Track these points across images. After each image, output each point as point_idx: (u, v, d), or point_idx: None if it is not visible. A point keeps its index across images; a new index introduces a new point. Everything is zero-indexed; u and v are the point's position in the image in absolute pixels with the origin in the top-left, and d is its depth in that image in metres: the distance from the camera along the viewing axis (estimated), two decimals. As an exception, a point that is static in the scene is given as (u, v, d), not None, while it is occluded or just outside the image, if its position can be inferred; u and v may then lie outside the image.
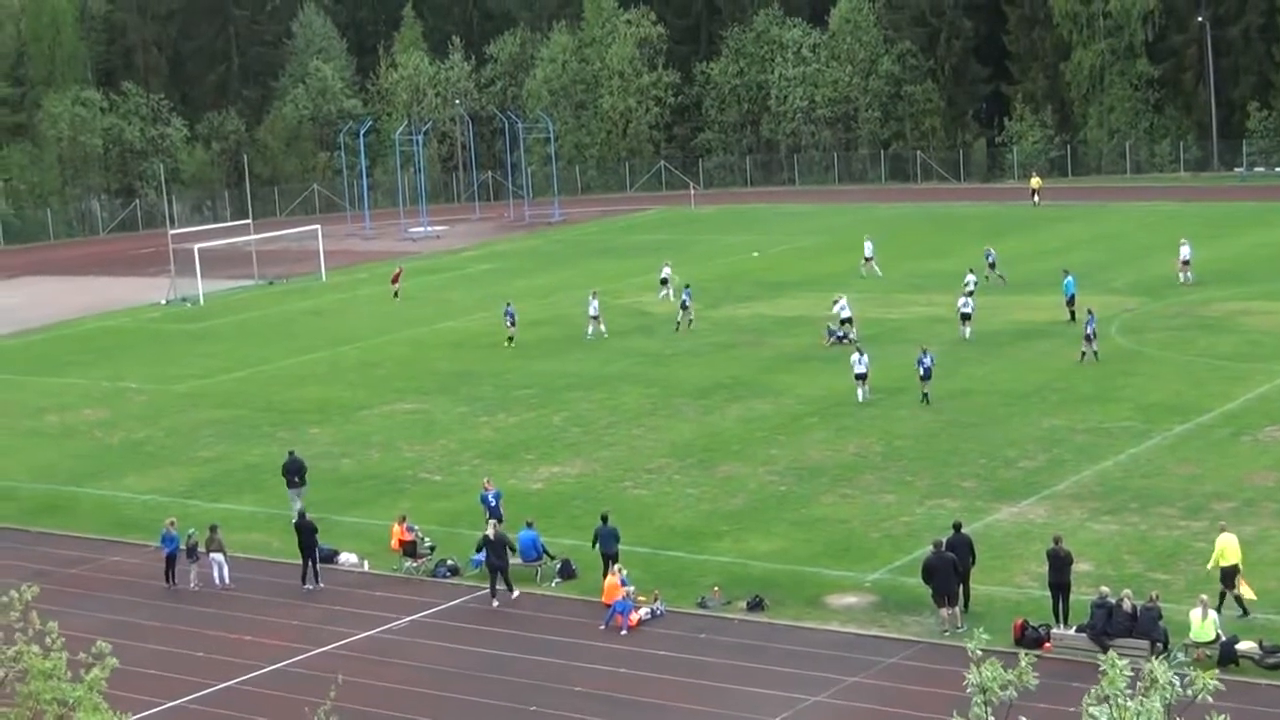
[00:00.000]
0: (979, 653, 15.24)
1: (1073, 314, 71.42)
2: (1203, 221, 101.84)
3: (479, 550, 43.95)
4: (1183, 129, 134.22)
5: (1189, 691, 14.17)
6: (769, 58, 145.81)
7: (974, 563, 39.63)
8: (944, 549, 39.08)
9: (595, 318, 77.07)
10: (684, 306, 77.51)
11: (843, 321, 71.85)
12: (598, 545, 43.11)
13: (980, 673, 14.61)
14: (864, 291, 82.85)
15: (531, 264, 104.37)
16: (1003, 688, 14.57)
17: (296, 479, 51.30)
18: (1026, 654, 14.95)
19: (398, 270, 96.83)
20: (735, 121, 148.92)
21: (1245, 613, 37.71)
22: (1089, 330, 64.92)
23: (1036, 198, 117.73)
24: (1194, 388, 59.39)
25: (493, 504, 46.53)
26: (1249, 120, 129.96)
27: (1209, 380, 60.31)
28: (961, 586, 39.21)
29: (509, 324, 76.09)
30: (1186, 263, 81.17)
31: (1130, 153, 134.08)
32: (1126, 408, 57.19)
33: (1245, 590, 38.33)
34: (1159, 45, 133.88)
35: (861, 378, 60.72)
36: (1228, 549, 38.62)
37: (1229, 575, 38.36)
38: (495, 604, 42.80)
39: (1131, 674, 14.18)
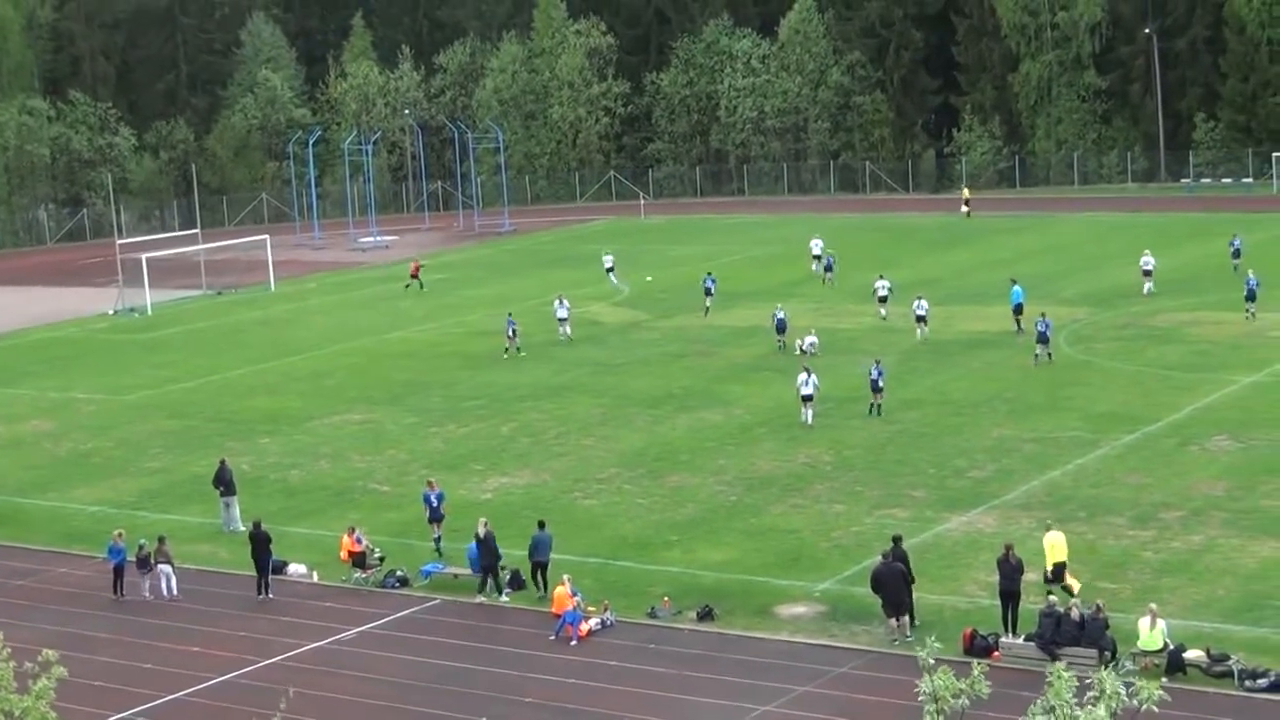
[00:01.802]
0: (931, 661, 15.28)
1: (1019, 324, 71.81)
2: (1150, 232, 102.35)
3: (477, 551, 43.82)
4: (1130, 140, 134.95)
5: (1135, 701, 14.26)
6: (719, 68, 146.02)
7: (911, 580, 39.51)
8: (892, 560, 39.16)
9: (564, 320, 77.73)
10: (708, 293, 79.57)
11: (815, 257, 74.95)
12: (531, 552, 43.20)
13: (932, 681, 14.64)
14: (817, 302, 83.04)
15: (481, 274, 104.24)
16: (955, 696, 14.60)
17: (222, 489, 51.21)
18: (979, 663, 14.98)
19: (415, 264, 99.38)
20: (685, 132, 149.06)
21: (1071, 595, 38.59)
22: (1043, 330, 65.65)
23: (966, 209, 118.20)
24: (1142, 398, 59.67)
25: (434, 504, 46.58)
26: (1195, 132, 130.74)
27: (1157, 390, 60.61)
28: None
29: (509, 335, 75.39)
30: (1148, 272, 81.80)
31: (1078, 164, 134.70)
32: (1075, 417, 57.42)
33: (1072, 583, 39.62)
34: (1106, 57, 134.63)
35: (808, 399, 59.34)
36: (1055, 546, 40.15)
37: (1058, 572, 39.71)
38: (479, 598, 43.10)
39: (1077, 684, 14.25)
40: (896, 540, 40.42)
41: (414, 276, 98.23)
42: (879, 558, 39.93)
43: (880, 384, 59.95)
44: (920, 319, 72.16)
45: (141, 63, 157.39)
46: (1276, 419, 55.42)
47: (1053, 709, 14.20)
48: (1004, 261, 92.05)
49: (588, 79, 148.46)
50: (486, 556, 43.19)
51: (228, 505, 50.97)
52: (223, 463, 52.27)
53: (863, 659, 37.88)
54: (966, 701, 14.66)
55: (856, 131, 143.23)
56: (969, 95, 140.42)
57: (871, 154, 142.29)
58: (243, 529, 47.93)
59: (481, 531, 43.30)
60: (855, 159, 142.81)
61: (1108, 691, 14.22)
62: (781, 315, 71.95)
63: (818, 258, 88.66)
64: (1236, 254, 79.44)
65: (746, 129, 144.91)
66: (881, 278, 79.75)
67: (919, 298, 73.68)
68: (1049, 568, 39.95)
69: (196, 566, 46.99)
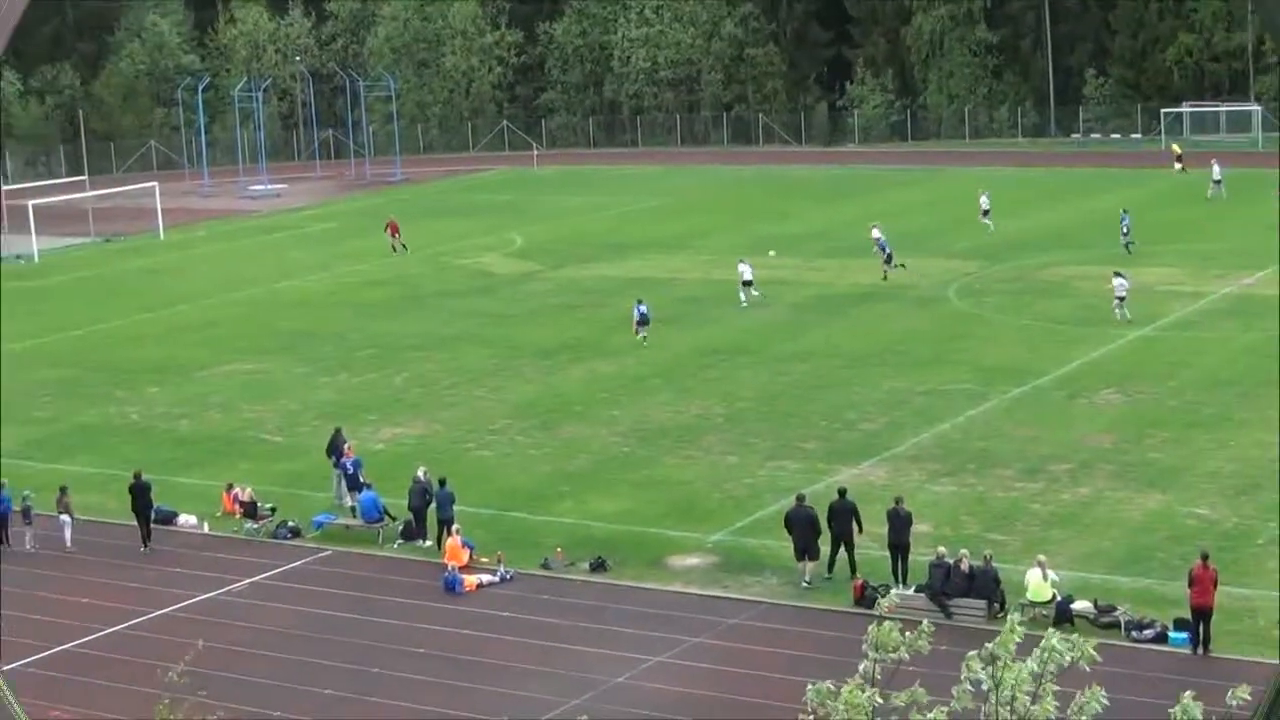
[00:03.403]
0: (886, 609, 15.46)
1: (885, 274, 73.95)
2: (1040, 187, 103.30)
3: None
4: (1021, 95, 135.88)
5: (1069, 658, 14.38)
6: (612, 18, 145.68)
7: (860, 530, 39.56)
8: (806, 503, 39.35)
9: (748, 283, 71.62)
10: (887, 259, 75.06)
11: (745, 283, 71.28)
12: (433, 509, 43.22)
13: (877, 631, 14.74)
14: (710, 254, 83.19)
15: (372, 223, 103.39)
16: (894, 649, 14.70)
17: (336, 458, 47.83)
18: (928, 620, 15.09)
19: (391, 221, 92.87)
20: (578, 82, 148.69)
21: None
22: (885, 251, 73.84)
23: (1179, 165, 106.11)
24: (1030, 351, 60.19)
25: (350, 471, 46.02)
26: (1086, 87, 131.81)
27: (1045, 344, 61.15)
28: (847, 550, 39.28)
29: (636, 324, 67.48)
30: (986, 212, 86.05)
31: (969, 118, 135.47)
32: (964, 370, 57.86)
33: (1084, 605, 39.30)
34: (997, 11, 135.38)
35: (748, 284, 69.78)
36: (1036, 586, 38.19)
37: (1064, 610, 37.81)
38: (425, 543, 43.31)
39: (1020, 640, 14.37)
40: (842, 492, 40.33)
41: (393, 235, 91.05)
42: (794, 499, 40.09)
43: (649, 318, 64.56)
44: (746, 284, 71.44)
45: (27, 6, 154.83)
46: (1163, 373, 56.09)
47: (994, 659, 14.29)
48: (893, 214, 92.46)
49: (481, 28, 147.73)
50: (418, 499, 43.35)
51: (338, 477, 47.38)
52: (337, 431, 49.26)
53: (754, 610, 38.07)
54: (906, 655, 14.75)
55: (750, 83, 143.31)
56: (862, 48, 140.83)
57: (764, 106, 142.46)
58: (350, 503, 46.33)
59: (423, 475, 43.63)
60: (748, 111, 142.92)
61: (1043, 645, 14.33)
62: (643, 309, 65.78)
63: (880, 246, 76.65)
64: (1127, 232, 79.74)
65: (640, 80, 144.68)
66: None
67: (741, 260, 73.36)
68: (1040, 603, 36.40)
69: (85, 517, 46.49)
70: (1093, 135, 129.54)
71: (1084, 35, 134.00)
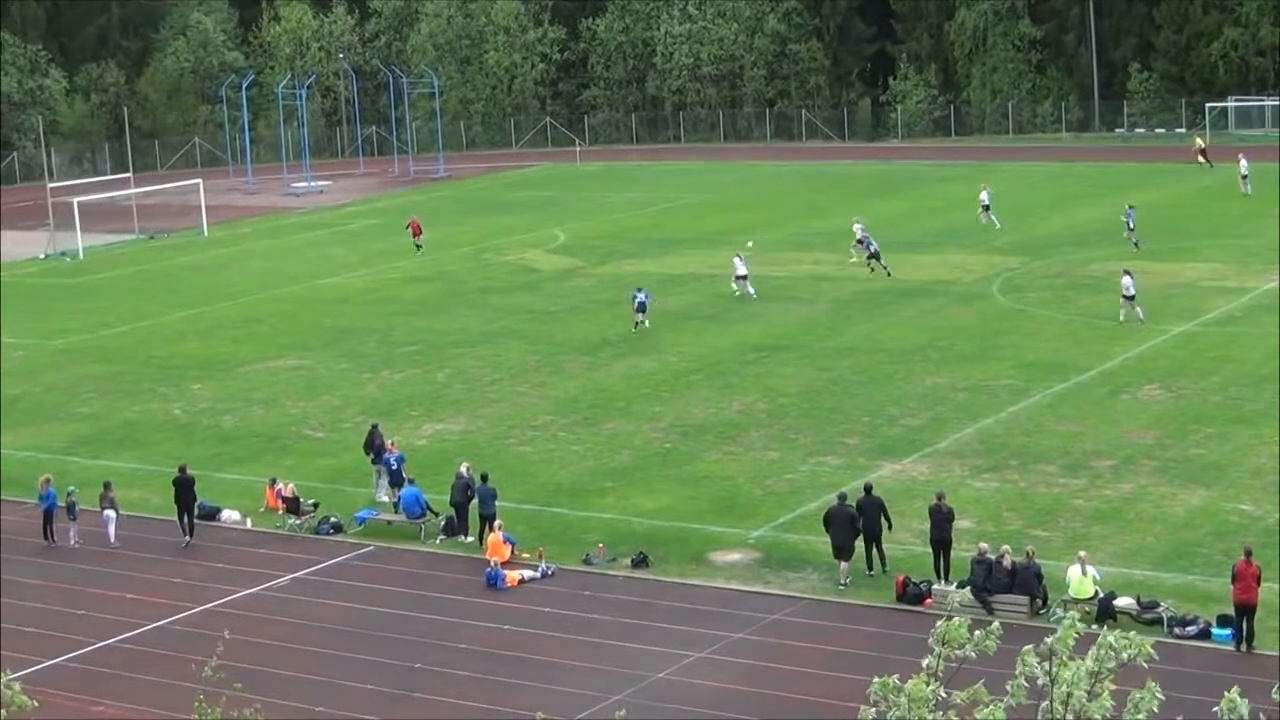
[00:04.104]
0: (957, 604, 15.53)
1: (877, 268, 74.46)
2: (1084, 182, 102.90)
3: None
4: (1064, 90, 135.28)
5: (1124, 655, 14.36)
6: (655, 14, 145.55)
7: (889, 527, 39.66)
8: (847, 503, 39.36)
9: (743, 277, 72.36)
10: (873, 255, 75.28)
11: (739, 278, 71.68)
12: (475, 505, 43.32)
13: (946, 627, 14.74)
14: (752, 250, 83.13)
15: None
16: (960, 646, 14.70)
17: (374, 455, 47.86)
18: (998, 621, 15.08)
19: (413, 220, 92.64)
20: (621, 78, 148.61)
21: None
22: (873, 248, 74.10)
23: (1203, 159, 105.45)
24: (1074, 346, 60.00)
25: (394, 467, 46.14)
26: (1130, 81, 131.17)
27: (1089, 339, 60.95)
28: (875, 547, 39.36)
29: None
30: (987, 207, 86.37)
31: (1013, 113, 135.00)
32: (1007, 366, 57.71)
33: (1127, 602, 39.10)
34: (1041, 6, 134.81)
35: (743, 278, 70.92)
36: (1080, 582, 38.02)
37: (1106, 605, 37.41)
38: (467, 539, 43.36)
39: (1078, 636, 14.35)
40: (867, 489, 40.41)
41: (415, 235, 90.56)
42: (835, 498, 40.09)
43: (647, 305, 66.30)
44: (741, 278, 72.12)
45: (72, 4, 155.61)
46: (1206, 368, 55.86)
47: (1052, 654, 14.28)
48: (938, 210, 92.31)
49: (523, 24, 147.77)
50: (460, 494, 43.45)
51: (379, 473, 47.63)
52: (374, 427, 49.13)
53: (796, 606, 38.06)
54: (972, 654, 14.76)
55: (792, 79, 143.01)
56: (905, 43, 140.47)
57: (807, 102, 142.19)
58: (386, 499, 46.60)
59: (464, 471, 43.69)
60: (791, 107, 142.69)
61: (1100, 643, 14.31)
62: (642, 297, 67.18)
63: (860, 242, 78.15)
64: (1131, 228, 79.44)
65: (683, 76, 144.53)
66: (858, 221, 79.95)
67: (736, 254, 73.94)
68: (1082, 600, 36.14)
69: (128, 512, 46.66)
70: (1137, 130, 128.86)
71: (1128, 30, 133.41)
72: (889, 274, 73.86)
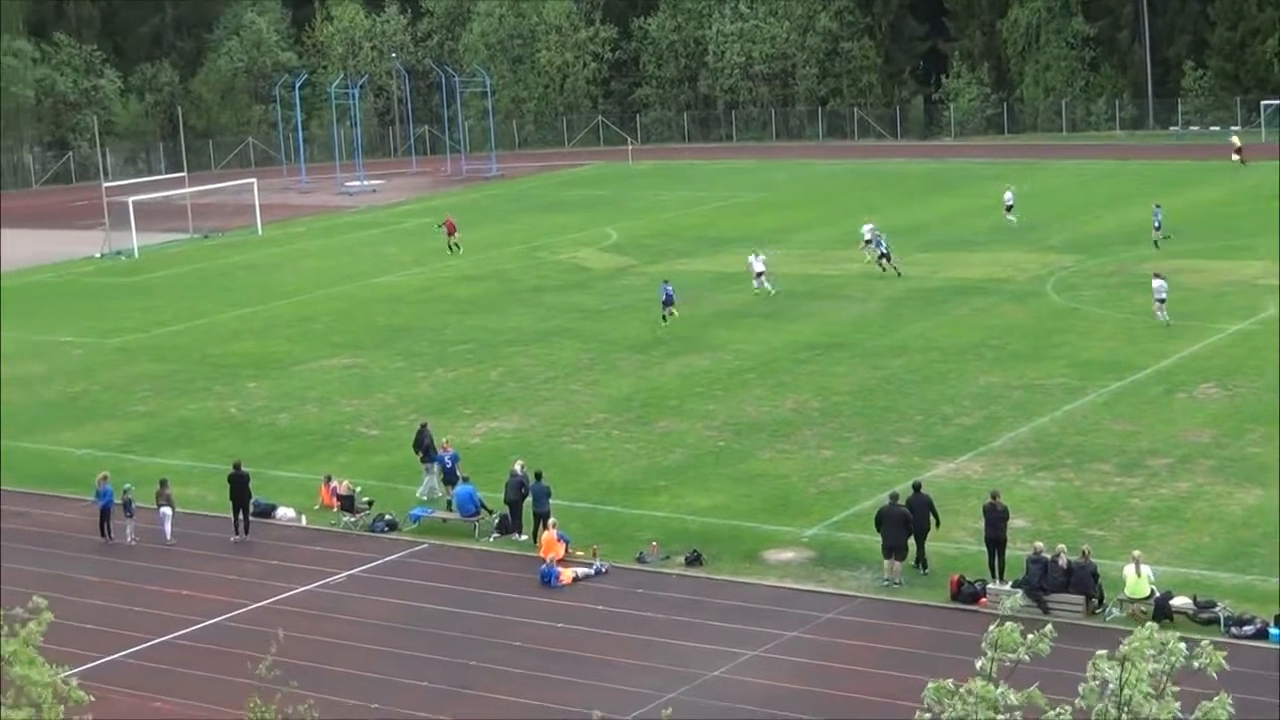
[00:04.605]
0: (1009, 609, 15.54)
1: (888, 269, 74.35)
2: (1138, 180, 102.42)
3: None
4: (1118, 87, 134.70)
5: (1195, 663, 14.35)
6: (706, 13, 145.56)
7: (937, 525, 39.68)
8: (899, 502, 39.32)
9: (760, 275, 72.85)
10: (884, 256, 75.05)
11: (757, 275, 72.39)
12: (528, 503, 43.41)
13: (999, 631, 14.76)
14: (804, 249, 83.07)
15: (469, 219, 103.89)
16: (1013, 649, 14.72)
17: (422, 454, 47.93)
18: (1049, 624, 15.09)
19: (448, 220, 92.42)
20: (673, 77, 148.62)
21: None
22: (883, 249, 74.18)
23: (1238, 156, 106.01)
24: (1129, 345, 59.75)
25: (448, 465, 46.24)
26: (1184, 79, 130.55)
27: (1144, 337, 60.67)
28: (915, 545, 39.36)
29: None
30: (1010, 206, 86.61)
31: (1066, 111, 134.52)
32: (1062, 364, 57.50)
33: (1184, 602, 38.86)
34: (1095, 3, 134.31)
35: (761, 275, 71.63)
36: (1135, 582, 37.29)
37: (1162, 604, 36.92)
38: (521, 537, 43.48)
39: (1154, 648, 14.34)
40: (916, 486, 40.44)
41: (450, 234, 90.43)
42: (888, 497, 40.05)
43: (674, 298, 67.04)
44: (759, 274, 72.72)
45: (126, 5, 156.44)
46: (1262, 366, 55.51)
47: (1125, 659, 14.27)
48: (990, 208, 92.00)
49: (575, 23, 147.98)
50: (514, 492, 43.56)
51: (428, 471, 47.71)
52: (423, 426, 48.84)
53: (850, 605, 38.00)
54: (1026, 657, 14.77)
55: (844, 77, 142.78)
56: (957, 41, 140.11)
57: (859, 100, 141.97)
58: (428, 497, 46.86)
59: (519, 469, 43.84)
60: (843, 105, 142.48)
61: (1170, 648, 14.31)
62: (670, 289, 67.94)
63: (869, 242, 78.07)
64: (1158, 226, 79.09)
65: (735, 75, 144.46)
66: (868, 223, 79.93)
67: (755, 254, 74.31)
68: (1137, 599, 36.04)
69: (184, 510, 46.88)
70: (1191, 128, 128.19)
71: (1182, 27, 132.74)
72: (899, 274, 73.98)
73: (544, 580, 40.30)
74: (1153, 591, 35.71)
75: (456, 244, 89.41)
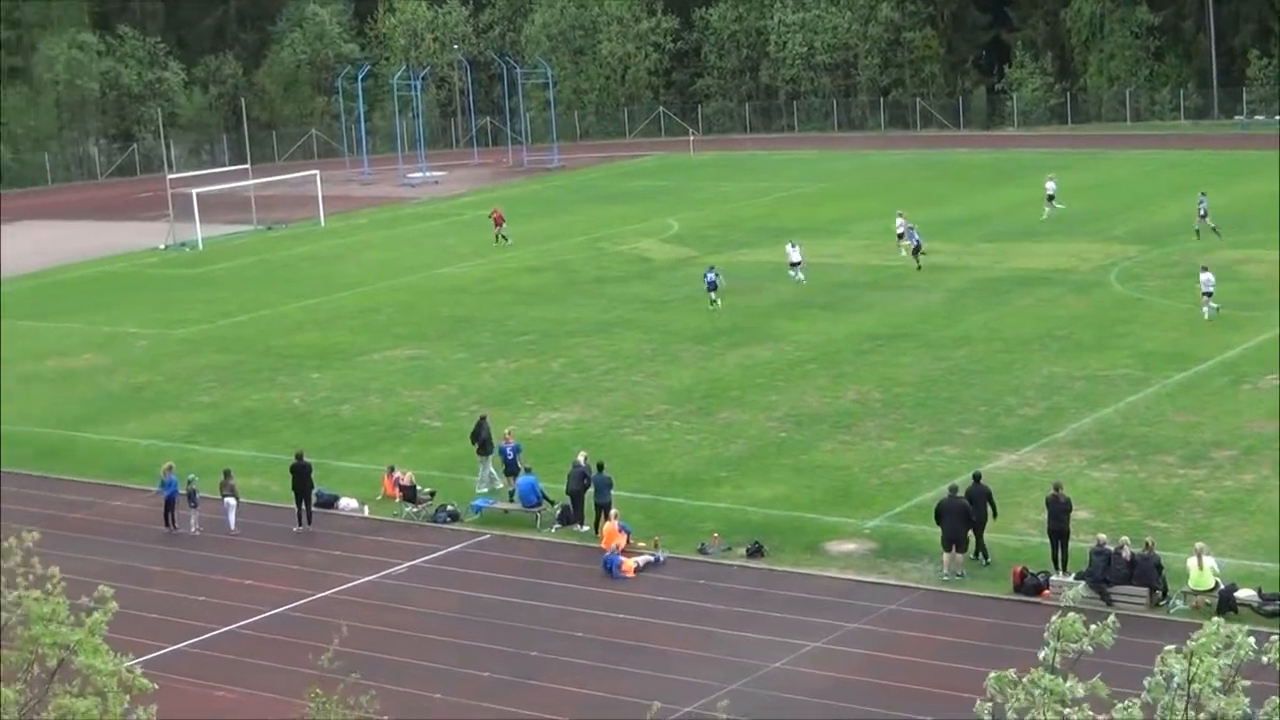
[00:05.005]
0: (1071, 601, 15.46)
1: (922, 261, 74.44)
2: (1204, 170, 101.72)
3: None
4: (1183, 77, 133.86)
5: (1265, 658, 14.29)
6: (768, 3, 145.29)
7: (994, 515, 39.62)
8: (959, 494, 39.21)
9: (796, 264, 73.95)
10: (916, 249, 75.41)
11: (793, 264, 73.13)
12: (590, 494, 43.47)
13: (1061, 622, 14.73)
14: (866, 239, 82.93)
15: (530, 210, 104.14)
16: (1076, 640, 14.68)
17: (479, 446, 47.98)
18: (1115, 616, 15.05)
19: (496, 210, 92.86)
20: (734, 68, 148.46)
21: None
22: (914, 241, 74.58)
23: None
24: (1193, 336, 59.40)
25: (510, 457, 46.31)
26: (1249, 68, 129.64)
27: (1207, 328, 60.28)
28: (974, 536, 39.28)
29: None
30: (1051, 198, 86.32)
31: (1130, 100, 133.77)
32: (1126, 355, 57.22)
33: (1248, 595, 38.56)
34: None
35: (796, 264, 72.74)
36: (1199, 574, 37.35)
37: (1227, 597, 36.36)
38: (583, 528, 43.56)
39: (1221, 643, 14.27)
40: (976, 477, 40.37)
41: (497, 225, 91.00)
42: (947, 490, 39.92)
43: (717, 284, 68.73)
44: (794, 264, 73.67)
45: None
46: (1329, 358, 55.13)
47: (1192, 654, 14.20)
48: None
49: (637, 14, 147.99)
50: (576, 483, 43.64)
51: (484, 463, 47.77)
52: (482, 419, 48.73)
53: (912, 596, 37.92)
54: (1089, 647, 14.71)
55: (907, 67, 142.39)
56: (1020, 31, 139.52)
57: (922, 90, 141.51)
58: (485, 488, 46.94)
59: (582, 460, 43.89)
60: (905, 95, 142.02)
61: (1239, 643, 14.24)
62: (712, 276, 69.59)
63: (902, 235, 78.60)
64: (1204, 215, 78.58)
65: (796, 65, 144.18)
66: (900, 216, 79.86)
67: (792, 244, 75.04)
68: (1201, 591, 35.92)
69: (248, 500, 47.15)
70: (1257, 117, 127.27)
71: (1247, 15, 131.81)
72: (919, 267, 74.22)
73: (606, 568, 40.36)
74: (1217, 584, 35.52)
75: (504, 235, 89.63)
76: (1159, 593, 35.85)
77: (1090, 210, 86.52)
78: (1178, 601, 35.44)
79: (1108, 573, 36.14)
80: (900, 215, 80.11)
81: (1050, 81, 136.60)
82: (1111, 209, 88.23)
